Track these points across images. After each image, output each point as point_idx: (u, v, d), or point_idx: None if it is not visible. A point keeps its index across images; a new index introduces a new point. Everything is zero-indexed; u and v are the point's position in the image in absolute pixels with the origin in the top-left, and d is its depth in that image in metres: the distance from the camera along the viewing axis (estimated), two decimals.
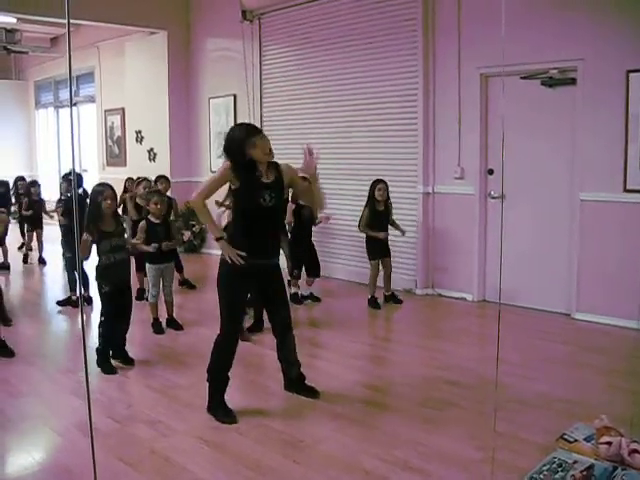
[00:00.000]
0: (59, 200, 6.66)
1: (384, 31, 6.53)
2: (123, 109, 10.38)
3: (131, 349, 4.47)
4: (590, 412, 3.04)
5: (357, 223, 5.99)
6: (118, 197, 5.23)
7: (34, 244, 8.43)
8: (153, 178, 7.20)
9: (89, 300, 5.85)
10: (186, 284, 6.81)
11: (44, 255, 8.43)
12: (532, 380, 3.99)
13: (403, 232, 5.99)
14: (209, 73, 8.95)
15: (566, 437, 2.70)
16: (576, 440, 2.66)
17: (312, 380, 3.85)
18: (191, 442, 3.20)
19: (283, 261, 5.84)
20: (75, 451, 3.08)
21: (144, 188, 6.25)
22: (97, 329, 4.36)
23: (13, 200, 8.78)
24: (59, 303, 6.02)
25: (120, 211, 7.27)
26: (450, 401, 3.70)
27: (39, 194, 8.41)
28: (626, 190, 5.00)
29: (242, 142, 3.35)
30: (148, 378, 4.15)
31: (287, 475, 2.87)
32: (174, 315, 5.36)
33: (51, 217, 7.81)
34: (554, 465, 2.48)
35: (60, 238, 6.49)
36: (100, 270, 4.30)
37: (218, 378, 3.52)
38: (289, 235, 5.96)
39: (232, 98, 8.50)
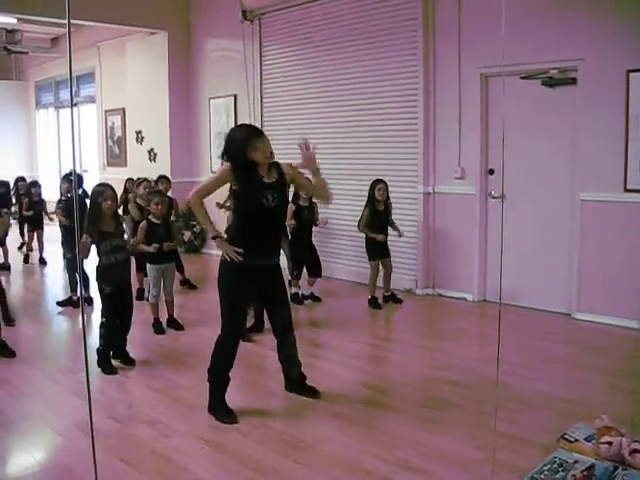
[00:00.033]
0: (59, 200, 6.66)
1: (384, 31, 6.53)
2: (123, 109, 10.39)
3: (132, 349, 4.47)
4: (591, 412, 3.05)
5: (357, 222, 5.99)
6: (118, 197, 5.23)
7: (34, 244, 8.43)
8: (153, 178, 7.21)
9: (89, 300, 5.85)
10: (187, 284, 6.81)
11: (44, 255, 8.43)
12: (533, 380, 3.99)
13: (400, 234, 5.99)
14: (209, 73, 8.95)
15: (567, 437, 2.70)
16: (577, 440, 2.66)
17: (313, 380, 3.86)
18: (192, 442, 3.20)
19: (284, 261, 5.87)
20: (76, 451, 3.09)
21: (144, 188, 6.26)
22: (98, 329, 4.37)
23: (14, 200, 8.78)
24: (59, 304, 6.02)
25: (120, 211, 7.29)
26: (451, 401, 3.70)
27: (40, 194, 8.41)
28: (626, 190, 5.00)
29: (243, 144, 3.34)
30: (149, 378, 4.15)
31: (288, 475, 2.87)
32: (175, 315, 5.37)
33: (51, 219, 7.81)
34: (555, 465, 2.48)
35: (60, 238, 6.50)
36: (100, 271, 4.30)
37: (219, 378, 3.52)
38: (289, 235, 5.96)
39: (232, 98, 8.50)
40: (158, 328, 5.19)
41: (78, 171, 10.64)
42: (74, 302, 5.96)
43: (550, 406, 3.57)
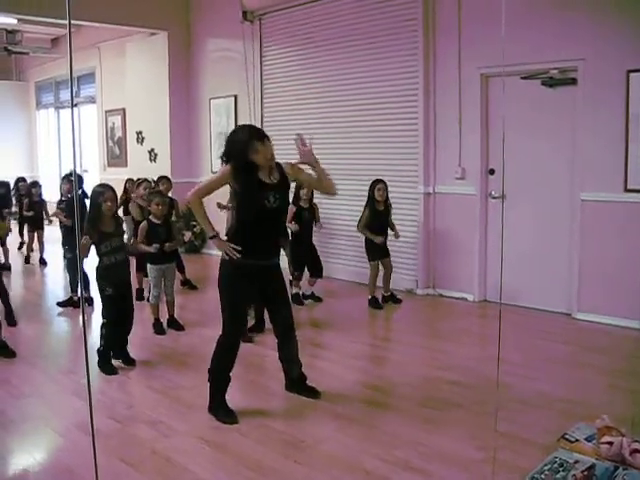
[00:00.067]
0: (60, 201, 6.67)
1: (384, 31, 6.54)
2: (124, 110, 10.39)
3: (132, 350, 4.47)
4: (591, 412, 3.05)
5: (357, 223, 5.99)
6: (118, 198, 5.23)
7: (35, 245, 8.44)
8: (154, 179, 7.22)
9: (90, 301, 5.85)
10: (187, 284, 6.81)
11: (45, 256, 8.43)
12: (533, 380, 3.99)
13: (397, 235, 5.98)
14: (210, 74, 8.96)
15: (567, 437, 2.70)
16: (577, 440, 2.66)
17: (313, 380, 3.86)
18: (192, 442, 3.20)
19: (285, 261, 5.87)
20: (76, 452, 3.09)
21: (144, 189, 6.25)
22: (99, 330, 4.36)
23: (14, 201, 8.78)
24: (60, 304, 6.02)
25: (121, 212, 7.29)
26: (451, 401, 3.70)
27: (40, 195, 8.42)
28: (627, 190, 5.00)
29: (244, 145, 3.33)
30: (149, 379, 4.15)
31: (288, 475, 2.87)
32: (175, 315, 5.37)
33: (50, 221, 7.81)
34: (555, 465, 2.48)
35: (61, 239, 6.50)
36: (100, 271, 4.30)
37: (220, 379, 3.52)
38: (290, 236, 5.96)
39: (233, 99, 8.50)
40: (159, 328, 5.19)
41: (78, 171, 10.64)
42: (75, 302, 5.96)
43: (550, 406, 3.57)
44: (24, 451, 3.17)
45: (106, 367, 4.24)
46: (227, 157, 3.44)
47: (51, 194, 9.58)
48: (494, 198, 5.95)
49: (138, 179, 7.07)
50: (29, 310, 5.97)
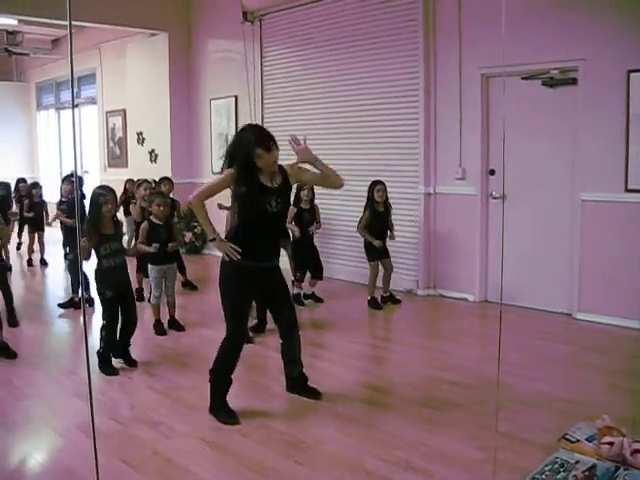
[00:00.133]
0: (60, 202, 6.67)
1: (385, 32, 6.54)
2: (124, 110, 10.39)
3: (133, 350, 4.47)
4: (592, 412, 3.05)
5: (357, 224, 5.98)
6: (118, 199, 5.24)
7: (35, 246, 8.44)
8: (154, 179, 7.23)
9: (91, 301, 5.85)
10: (188, 285, 6.81)
11: (45, 257, 8.44)
12: (533, 380, 3.99)
13: (392, 236, 5.98)
14: (210, 74, 8.96)
15: (568, 437, 2.70)
16: (578, 440, 2.66)
17: (314, 381, 3.86)
18: (193, 443, 3.21)
19: (286, 262, 5.87)
20: (77, 452, 3.09)
21: (145, 189, 6.25)
22: (99, 332, 4.37)
23: (14, 202, 8.78)
24: (61, 305, 6.02)
25: (121, 212, 7.30)
26: (452, 401, 3.70)
27: (40, 196, 8.43)
28: (627, 190, 5.00)
29: (249, 149, 3.32)
30: (150, 379, 4.16)
31: (290, 476, 2.87)
32: (176, 316, 5.37)
33: (49, 224, 7.81)
34: (556, 465, 2.49)
35: (62, 239, 6.50)
36: (99, 274, 4.29)
37: (222, 380, 3.52)
38: (291, 237, 5.96)
39: (233, 99, 8.51)
40: (159, 329, 5.19)
41: (79, 172, 10.65)
42: (76, 303, 5.96)
43: (551, 406, 3.57)
44: (25, 452, 3.18)
45: (107, 368, 4.24)
46: (230, 157, 3.43)
47: (52, 195, 9.58)
48: (494, 198, 5.96)
49: (138, 180, 7.08)
50: (30, 311, 5.97)
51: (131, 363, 4.39)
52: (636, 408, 3.38)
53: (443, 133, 6.21)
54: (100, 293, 4.33)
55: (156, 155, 9.49)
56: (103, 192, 4.27)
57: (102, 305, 4.39)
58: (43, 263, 8.40)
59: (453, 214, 6.22)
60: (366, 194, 5.94)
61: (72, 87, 2.99)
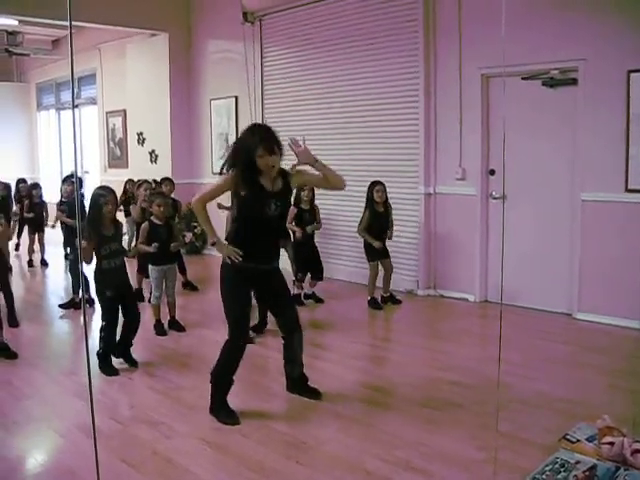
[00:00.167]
0: (60, 202, 6.67)
1: (385, 32, 6.54)
2: (124, 111, 10.39)
3: (133, 350, 4.47)
4: (592, 412, 3.05)
5: (357, 225, 5.98)
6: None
7: (35, 246, 8.43)
8: (155, 180, 7.23)
9: (91, 302, 5.85)
10: (189, 286, 6.81)
11: (45, 257, 8.43)
12: (533, 380, 3.99)
13: (390, 237, 5.98)
14: (210, 75, 8.96)
15: (568, 437, 2.70)
16: (578, 440, 2.66)
17: (314, 381, 3.86)
18: (194, 443, 3.21)
19: (287, 263, 5.87)
20: (78, 453, 3.09)
21: (145, 190, 6.26)
22: (98, 332, 4.37)
23: (14, 202, 8.79)
24: (62, 306, 6.03)
25: (122, 212, 7.30)
26: (452, 401, 3.70)
27: (40, 196, 8.42)
28: (627, 190, 5.00)
29: (253, 145, 3.31)
30: (150, 380, 4.16)
31: (290, 476, 2.87)
32: (176, 317, 5.37)
33: (53, 227, 7.81)
34: (557, 465, 2.49)
35: (62, 240, 6.51)
36: (98, 275, 4.29)
37: (223, 381, 3.52)
38: (292, 237, 5.96)
39: (233, 100, 8.51)
40: (160, 329, 5.19)
41: (79, 173, 10.65)
42: (76, 304, 5.96)
43: (551, 406, 3.57)
44: (26, 452, 3.18)
45: (107, 369, 4.24)
46: (234, 152, 3.41)
47: (52, 195, 9.58)
48: (495, 199, 5.96)
49: (138, 180, 7.08)
50: (30, 311, 5.97)
51: (132, 363, 4.39)
52: (636, 408, 3.38)
53: (443, 133, 6.21)
54: (99, 294, 4.33)
55: (156, 155, 9.49)
56: (103, 193, 4.27)
57: (101, 306, 4.39)
58: (43, 264, 8.39)
59: (453, 214, 6.22)
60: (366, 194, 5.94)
61: (72, 87, 3.00)
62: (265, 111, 8.04)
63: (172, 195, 6.70)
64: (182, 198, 7.01)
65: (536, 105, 5.56)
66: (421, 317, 5.84)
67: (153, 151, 9.53)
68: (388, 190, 5.91)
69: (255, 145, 3.31)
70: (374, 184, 5.87)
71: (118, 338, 4.39)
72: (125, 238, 6.29)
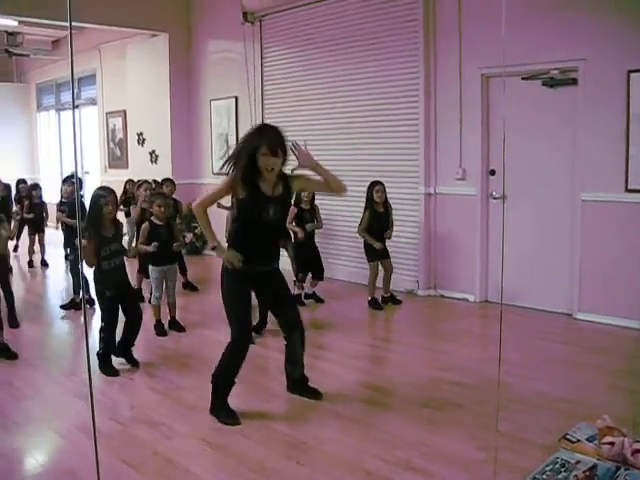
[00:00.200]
0: (60, 203, 6.67)
1: (385, 32, 6.54)
2: (125, 111, 10.39)
3: (134, 351, 4.47)
4: (592, 412, 3.05)
5: (358, 225, 5.98)
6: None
7: (35, 247, 8.43)
8: (155, 180, 7.23)
9: (92, 302, 5.85)
10: (189, 286, 6.81)
11: (46, 257, 8.44)
12: (534, 380, 3.99)
13: (389, 236, 5.98)
14: (210, 75, 8.97)
15: (569, 437, 2.70)
16: (579, 440, 2.66)
17: (314, 381, 3.86)
18: (194, 444, 3.21)
19: (288, 263, 5.87)
20: (78, 453, 3.09)
21: (145, 190, 6.26)
22: (98, 333, 4.37)
23: (14, 203, 8.79)
24: (63, 307, 6.03)
25: (123, 212, 7.30)
26: (452, 401, 3.70)
27: (40, 197, 8.43)
28: (627, 190, 5.00)
29: (257, 142, 3.31)
30: (151, 380, 4.16)
31: (291, 477, 2.88)
32: (177, 317, 5.37)
33: (56, 228, 7.80)
34: (557, 465, 2.49)
35: (63, 240, 6.50)
36: (98, 276, 4.29)
37: (224, 382, 3.52)
38: (293, 238, 5.96)
39: (234, 100, 8.50)
40: (160, 330, 5.19)
41: (79, 173, 10.65)
42: (77, 304, 5.97)
43: (551, 406, 3.57)
44: (26, 453, 3.18)
45: (107, 369, 4.24)
46: (240, 148, 3.40)
47: (52, 196, 9.58)
48: (495, 199, 5.96)
49: (138, 180, 7.08)
50: (31, 312, 5.98)
51: (133, 363, 4.39)
52: (636, 408, 3.39)
53: (443, 133, 6.21)
54: (99, 294, 4.33)
55: (156, 156, 9.49)
56: (103, 193, 4.27)
57: (101, 306, 4.39)
58: (44, 264, 8.40)
59: (453, 214, 6.22)
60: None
61: (72, 88, 3.00)
62: (265, 111, 8.04)
63: (173, 195, 6.70)
64: (182, 198, 7.02)
65: (536, 105, 5.56)
66: (421, 317, 5.84)
67: (153, 151, 9.53)
68: (388, 190, 5.91)
69: (260, 142, 3.31)
70: (374, 184, 5.87)
71: (119, 338, 4.40)
72: (125, 238, 6.28)
